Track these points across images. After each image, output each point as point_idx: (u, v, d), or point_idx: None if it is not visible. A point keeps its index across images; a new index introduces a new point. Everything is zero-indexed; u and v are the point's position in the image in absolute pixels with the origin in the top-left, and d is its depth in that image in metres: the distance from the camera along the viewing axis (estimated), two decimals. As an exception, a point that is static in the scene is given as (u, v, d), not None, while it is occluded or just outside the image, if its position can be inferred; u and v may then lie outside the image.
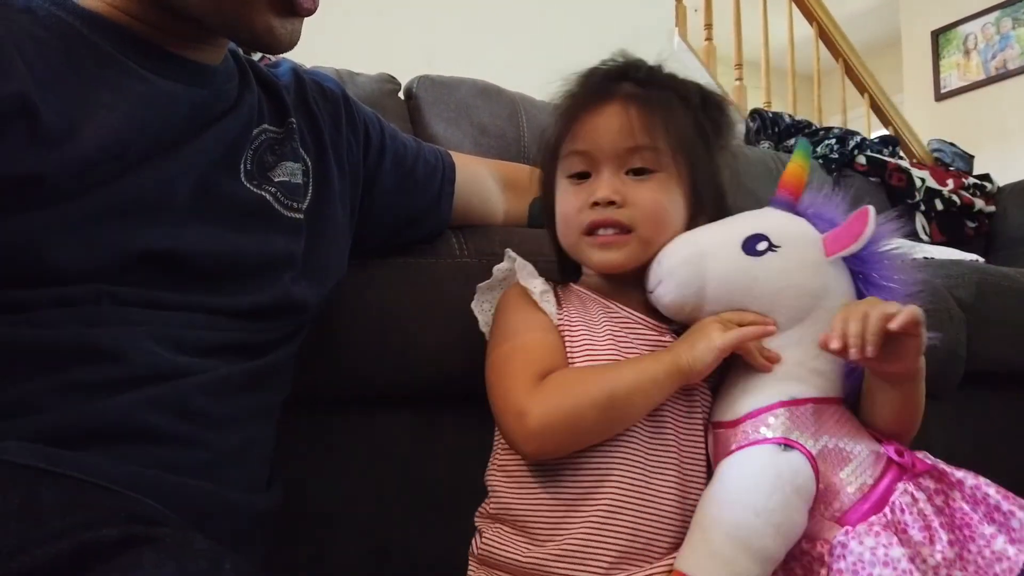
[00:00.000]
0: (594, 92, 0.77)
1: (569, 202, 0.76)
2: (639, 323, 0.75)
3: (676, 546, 0.66)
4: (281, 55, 0.74)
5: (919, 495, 0.65)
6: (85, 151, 0.56)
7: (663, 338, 0.75)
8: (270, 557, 0.68)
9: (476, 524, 0.75)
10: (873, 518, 0.63)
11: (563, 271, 0.83)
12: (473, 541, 0.74)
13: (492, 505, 0.74)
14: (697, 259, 0.71)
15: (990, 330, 1.20)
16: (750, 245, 0.70)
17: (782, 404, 0.67)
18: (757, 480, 0.64)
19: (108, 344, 0.56)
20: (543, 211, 0.84)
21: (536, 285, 0.76)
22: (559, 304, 0.76)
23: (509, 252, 0.80)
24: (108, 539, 0.46)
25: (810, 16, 3.54)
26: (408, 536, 0.88)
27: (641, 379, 0.68)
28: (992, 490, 0.66)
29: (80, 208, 0.56)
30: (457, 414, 0.90)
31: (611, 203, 0.73)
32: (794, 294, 0.70)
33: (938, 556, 0.61)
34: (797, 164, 0.76)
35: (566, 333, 0.74)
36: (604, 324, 0.74)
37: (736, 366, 0.72)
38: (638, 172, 0.74)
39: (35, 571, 0.44)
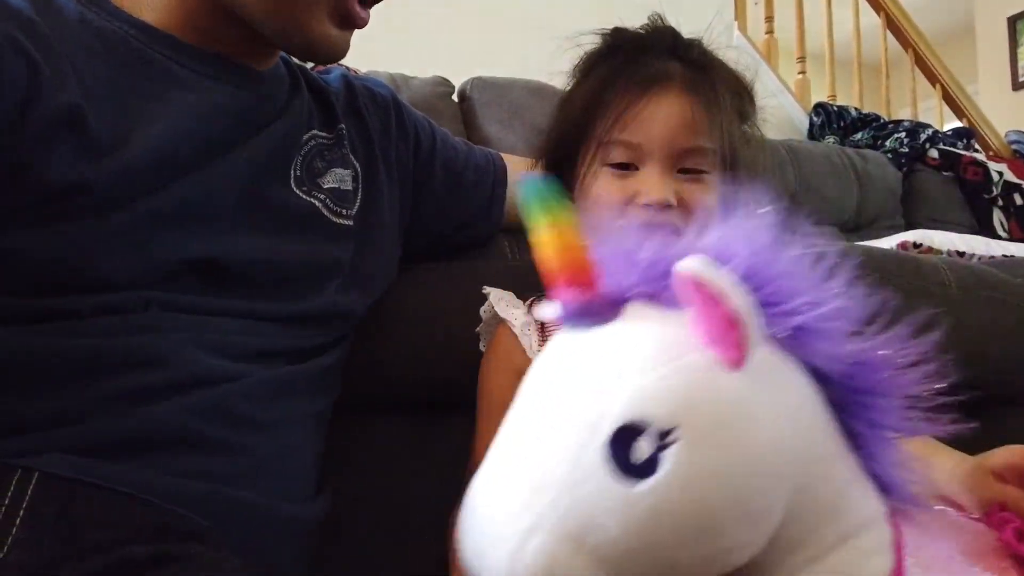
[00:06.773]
0: (645, 74, 0.69)
1: (611, 196, 0.69)
2: None
3: None
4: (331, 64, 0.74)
5: None
6: (132, 161, 0.56)
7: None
8: (313, 568, 0.68)
9: None
10: None
11: None
12: None
13: None
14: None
15: (1076, 334, 1.13)
16: (620, 456, 0.34)
17: None
18: None
19: (154, 351, 0.56)
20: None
21: (517, 317, 0.70)
22: (542, 335, 0.69)
23: (486, 289, 0.75)
24: (140, 557, 0.46)
25: (877, 5, 3.41)
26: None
27: None
28: None
29: (128, 217, 0.56)
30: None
31: (667, 206, 0.67)
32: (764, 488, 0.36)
33: None
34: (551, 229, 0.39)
35: None
36: None
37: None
38: (689, 171, 0.69)
39: None
